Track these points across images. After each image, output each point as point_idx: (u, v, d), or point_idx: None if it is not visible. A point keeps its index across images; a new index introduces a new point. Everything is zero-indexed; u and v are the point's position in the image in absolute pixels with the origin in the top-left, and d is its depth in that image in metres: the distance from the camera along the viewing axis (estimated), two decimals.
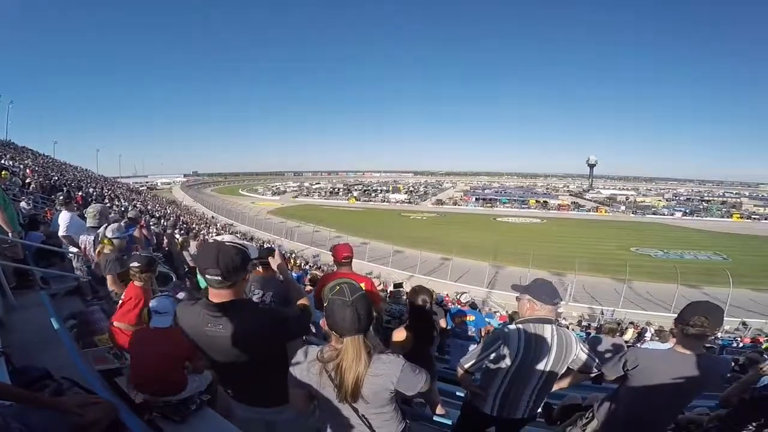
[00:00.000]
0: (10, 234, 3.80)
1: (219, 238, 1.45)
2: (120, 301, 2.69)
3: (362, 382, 1.20)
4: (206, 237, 13.78)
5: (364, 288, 1.42)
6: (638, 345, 7.11)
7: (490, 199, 63.43)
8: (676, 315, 1.79)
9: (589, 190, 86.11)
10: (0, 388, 1.27)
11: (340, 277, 2.88)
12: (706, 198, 71.71)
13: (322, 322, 1.29)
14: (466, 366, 1.93)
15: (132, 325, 2.58)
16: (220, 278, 1.39)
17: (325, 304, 1.27)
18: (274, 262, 1.87)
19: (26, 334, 2.60)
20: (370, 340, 1.28)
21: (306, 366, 1.28)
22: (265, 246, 1.98)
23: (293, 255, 20.66)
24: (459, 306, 6.37)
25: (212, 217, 36.10)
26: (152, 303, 2.39)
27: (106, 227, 3.54)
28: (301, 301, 1.74)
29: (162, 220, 15.48)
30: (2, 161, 16.70)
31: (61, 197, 4.82)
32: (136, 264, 2.67)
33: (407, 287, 4.41)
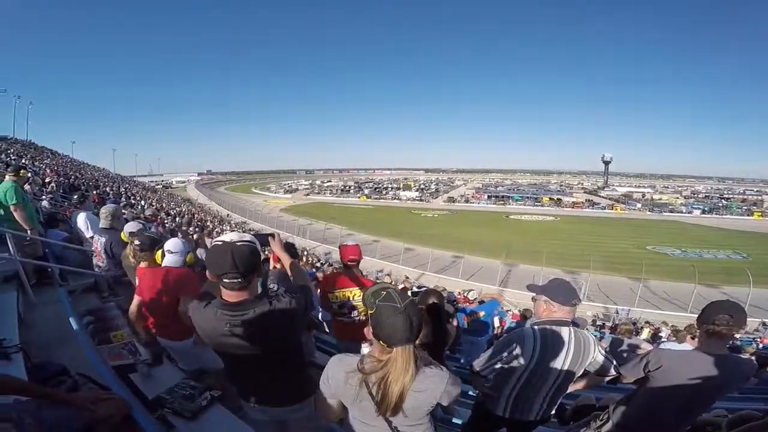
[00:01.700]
0: (29, 231, 3.89)
1: (225, 237, 1.40)
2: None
3: (406, 395, 1.14)
4: (212, 235, 13.90)
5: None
6: (657, 345, 6.96)
7: (503, 197, 62.74)
8: (693, 315, 1.72)
9: (604, 188, 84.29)
10: (15, 383, 1.29)
11: (346, 279, 2.86)
12: (726, 195, 69.44)
13: (367, 330, 1.21)
14: (478, 369, 1.90)
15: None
16: (240, 280, 1.36)
17: (371, 312, 1.19)
18: (275, 245, 1.82)
19: (44, 330, 2.64)
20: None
21: (344, 377, 1.21)
22: (261, 233, 1.93)
23: (305, 252, 20.82)
24: (467, 305, 6.26)
25: (227, 215, 36.54)
26: (166, 243, 2.56)
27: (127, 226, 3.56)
28: (301, 282, 1.68)
29: (177, 218, 15.73)
30: (23, 161, 17.20)
31: (75, 198, 4.90)
32: (138, 242, 2.68)
33: (416, 284, 4.35)
